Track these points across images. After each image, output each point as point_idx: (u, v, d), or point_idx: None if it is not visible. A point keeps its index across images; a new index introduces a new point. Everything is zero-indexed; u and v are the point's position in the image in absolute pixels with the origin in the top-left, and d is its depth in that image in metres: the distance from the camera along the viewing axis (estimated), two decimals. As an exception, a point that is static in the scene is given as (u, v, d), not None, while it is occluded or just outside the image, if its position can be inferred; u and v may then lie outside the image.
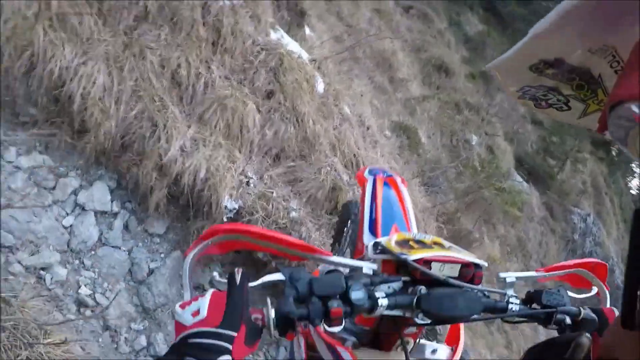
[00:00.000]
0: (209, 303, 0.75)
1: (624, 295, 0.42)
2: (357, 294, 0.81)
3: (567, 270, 1.10)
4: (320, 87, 3.61)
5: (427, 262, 0.90)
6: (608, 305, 1.05)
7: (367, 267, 0.90)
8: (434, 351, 1.14)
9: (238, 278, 0.77)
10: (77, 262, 2.62)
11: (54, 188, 2.73)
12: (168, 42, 2.96)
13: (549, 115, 0.86)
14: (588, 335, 0.59)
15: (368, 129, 4.07)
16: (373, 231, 1.53)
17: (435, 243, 0.99)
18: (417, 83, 8.03)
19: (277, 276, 0.82)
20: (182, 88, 2.98)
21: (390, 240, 0.98)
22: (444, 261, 0.91)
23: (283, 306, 0.77)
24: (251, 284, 0.80)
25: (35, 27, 2.71)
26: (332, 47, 5.06)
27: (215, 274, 0.97)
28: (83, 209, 2.75)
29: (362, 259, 0.98)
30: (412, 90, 7.39)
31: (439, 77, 9.17)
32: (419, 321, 0.88)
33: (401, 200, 1.65)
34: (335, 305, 0.79)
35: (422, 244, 0.98)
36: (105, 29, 2.87)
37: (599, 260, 1.10)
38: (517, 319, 0.96)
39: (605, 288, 1.07)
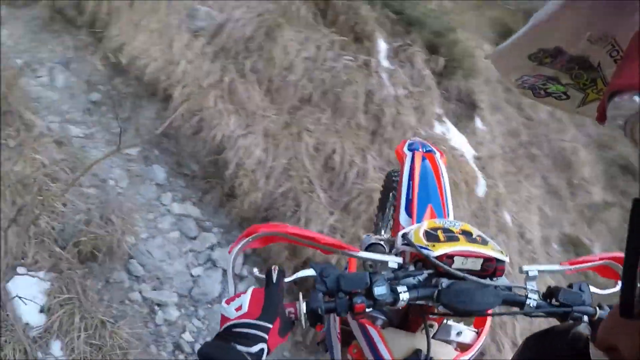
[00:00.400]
0: (250, 299, 0.86)
1: (622, 284, 0.42)
2: (380, 290, 0.87)
3: (593, 263, 1.09)
4: (480, 189, 3.29)
5: (450, 257, 0.94)
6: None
7: (393, 262, 0.96)
8: (459, 333, 1.16)
9: (274, 275, 0.88)
10: (192, 309, 2.67)
11: (194, 238, 2.89)
12: (327, 126, 2.96)
13: (548, 104, 0.86)
14: (587, 323, 0.64)
15: (528, 243, 3.56)
16: (409, 211, 1.53)
17: (464, 231, 1.02)
18: (600, 187, 7.02)
19: (309, 272, 0.91)
20: (333, 174, 2.93)
21: (419, 230, 1.01)
22: (465, 256, 0.94)
23: (313, 302, 0.87)
24: (286, 279, 0.90)
25: (208, 96, 2.93)
26: (505, 141, 4.67)
27: (255, 270, 1.00)
28: (214, 264, 2.83)
29: (392, 246, 1.07)
30: (593, 195, 6.45)
31: (624, 179, 7.91)
32: (440, 311, 0.95)
33: (438, 178, 1.64)
34: (359, 301, 0.86)
35: (449, 233, 1.01)
36: (270, 107, 2.99)
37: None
38: (535, 313, 0.96)
39: None
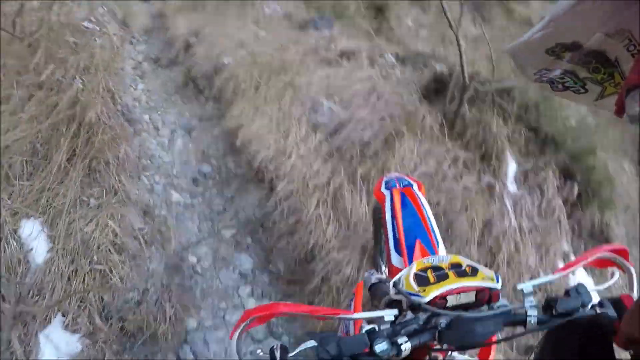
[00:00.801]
0: None
1: None
2: (381, 347, 0.87)
3: (586, 261, 1.05)
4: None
5: (443, 297, 0.94)
6: (636, 286, 1.01)
7: (388, 315, 0.96)
8: None
9: (278, 353, 0.88)
10: None
11: (260, 341, 2.69)
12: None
13: (566, 98, 0.83)
14: (608, 315, 0.64)
15: None
16: (399, 251, 1.54)
17: (453, 265, 1.02)
18: None
19: (310, 343, 0.90)
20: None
21: (409, 276, 1.01)
22: (457, 293, 0.95)
23: None
24: (290, 355, 0.89)
25: (311, 198, 2.78)
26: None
27: (259, 351, 0.96)
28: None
29: (388, 303, 1.05)
30: None
31: None
32: (444, 348, 0.96)
33: (420, 211, 1.66)
34: None
35: (439, 270, 1.01)
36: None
37: (619, 245, 1.06)
38: (537, 327, 0.94)
39: (630, 266, 1.02)
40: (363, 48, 4.68)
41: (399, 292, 1.01)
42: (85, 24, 3.92)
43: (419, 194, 1.75)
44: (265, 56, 4.38)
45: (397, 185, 1.77)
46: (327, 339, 0.89)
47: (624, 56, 0.69)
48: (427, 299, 0.94)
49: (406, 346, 0.89)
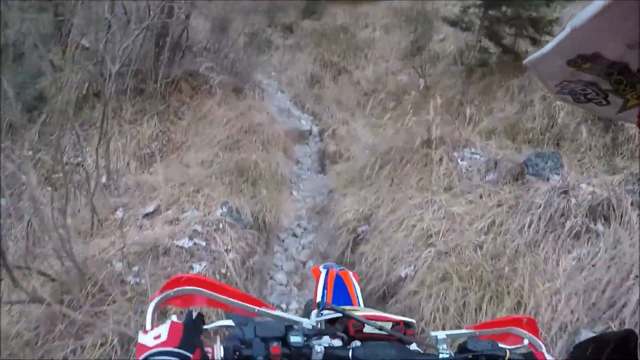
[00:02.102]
0: (169, 329, 0.82)
1: None
2: (296, 339, 0.89)
3: (499, 329, 1.11)
4: None
5: (360, 322, 1.02)
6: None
7: (307, 323, 0.98)
8: None
9: (194, 315, 0.88)
10: None
11: None
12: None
13: (588, 110, 0.83)
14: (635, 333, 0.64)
15: None
16: None
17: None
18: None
19: (227, 322, 0.93)
20: None
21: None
22: (376, 319, 1.03)
23: (230, 342, 0.86)
24: (205, 327, 0.90)
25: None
26: None
27: (174, 316, 0.90)
28: None
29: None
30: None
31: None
32: None
33: (351, 291, 1.78)
34: (275, 344, 0.87)
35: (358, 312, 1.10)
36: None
37: (529, 316, 1.13)
38: None
39: (539, 340, 1.07)
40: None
41: (323, 306, 1.06)
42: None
43: (353, 278, 1.86)
44: (469, 257, 2.77)
45: (334, 268, 1.91)
46: (244, 320, 0.90)
47: None
48: (348, 314, 1.02)
49: (318, 348, 0.89)
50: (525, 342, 1.09)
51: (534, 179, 3.82)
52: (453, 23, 7.52)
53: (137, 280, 2.53)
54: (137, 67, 6.32)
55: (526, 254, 3.04)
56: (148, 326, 0.89)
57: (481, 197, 3.70)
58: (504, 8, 6.45)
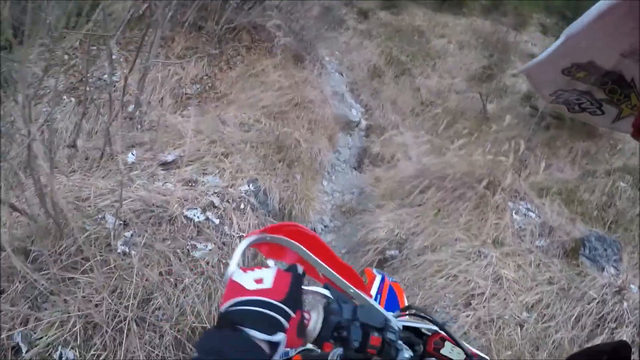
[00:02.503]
0: (275, 277, 0.71)
1: None
2: (392, 335, 0.81)
3: None
4: None
5: (442, 339, 0.95)
6: None
7: (395, 322, 0.88)
8: None
9: (300, 269, 0.76)
10: None
11: None
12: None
13: (582, 119, 0.82)
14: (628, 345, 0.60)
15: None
16: None
17: None
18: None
19: (325, 291, 0.82)
20: None
21: None
22: (455, 344, 0.94)
23: (334, 317, 0.77)
24: (304, 287, 0.77)
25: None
26: None
27: (271, 260, 0.89)
28: None
29: None
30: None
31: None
32: None
33: (402, 303, 1.68)
34: (376, 334, 0.80)
35: None
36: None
37: None
38: None
39: None
40: None
41: (415, 313, 1.01)
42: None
43: (404, 296, 1.75)
44: (509, 337, 2.32)
45: (388, 279, 1.79)
46: (344, 297, 0.82)
47: None
48: (449, 329, 0.94)
49: (404, 354, 0.84)
50: None
51: (588, 263, 3.29)
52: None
53: (126, 249, 2.04)
54: (203, 2, 5.85)
55: (568, 352, 2.55)
56: (234, 263, 0.76)
57: (531, 265, 3.15)
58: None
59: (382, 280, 1.79)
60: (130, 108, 4.47)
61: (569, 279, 3.05)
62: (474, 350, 0.96)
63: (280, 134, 3.96)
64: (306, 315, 0.75)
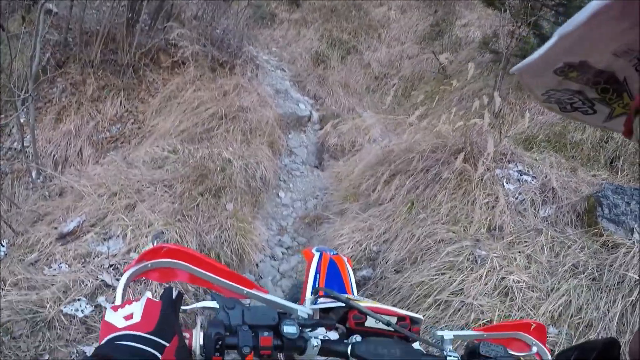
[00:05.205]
0: (144, 308, 0.66)
1: None
2: (290, 329, 0.73)
3: (507, 332, 0.99)
4: None
5: (362, 314, 0.86)
6: None
7: (302, 311, 0.82)
8: None
9: (174, 294, 0.70)
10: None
11: None
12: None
13: (574, 119, 0.74)
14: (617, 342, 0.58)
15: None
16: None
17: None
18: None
19: (211, 303, 0.76)
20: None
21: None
22: (379, 312, 0.86)
23: (212, 328, 0.69)
24: (184, 307, 0.74)
25: None
26: None
27: (148, 293, 0.71)
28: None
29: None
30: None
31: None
32: None
33: (345, 276, 1.57)
34: (265, 334, 0.71)
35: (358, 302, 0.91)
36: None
37: (538, 322, 0.99)
38: None
39: (546, 350, 0.97)
40: None
41: (324, 294, 0.88)
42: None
43: (347, 265, 1.64)
44: None
45: (328, 253, 1.67)
46: (231, 303, 0.73)
47: (633, 76, 0.59)
48: (356, 304, 0.83)
49: (314, 342, 0.75)
50: (534, 349, 0.96)
51: (612, 227, 2.41)
52: (489, 3, 5.90)
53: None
54: (108, 33, 4.92)
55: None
56: (119, 301, 0.71)
57: (543, 250, 2.26)
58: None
59: (320, 257, 1.63)
60: (33, 174, 3.55)
61: (598, 260, 2.17)
62: (403, 312, 0.88)
63: (200, 160, 3.04)
64: (187, 334, 0.68)
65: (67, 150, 4.43)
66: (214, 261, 0.85)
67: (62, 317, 1.92)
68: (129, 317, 0.64)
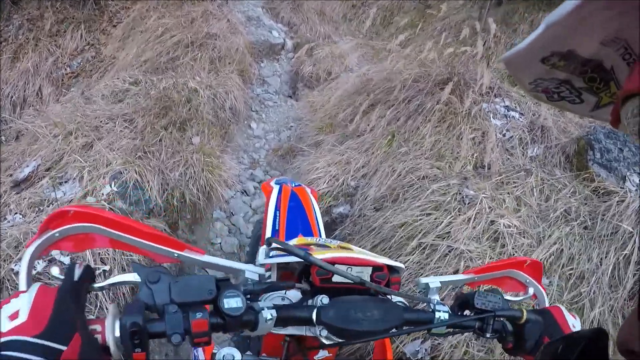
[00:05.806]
0: (33, 303, 0.48)
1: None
2: (231, 302, 0.56)
3: (499, 272, 0.87)
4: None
5: (327, 277, 0.69)
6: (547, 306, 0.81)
7: (251, 271, 0.68)
8: None
9: (77, 273, 0.54)
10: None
11: None
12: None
13: (561, 108, 0.71)
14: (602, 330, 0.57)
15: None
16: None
17: (343, 248, 0.79)
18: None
19: (131, 277, 0.58)
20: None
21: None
22: (350, 263, 0.69)
23: (130, 316, 0.52)
24: (97, 284, 0.57)
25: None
26: None
27: (55, 269, 0.57)
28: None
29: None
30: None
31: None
32: (324, 341, 0.67)
33: (309, 210, 1.39)
34: (199, 316, 0.54)
35: (325, 247, 0.78)
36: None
37: (533, 258, 0.88)
38: (446, 331, 0.71)
39: (542, 289, 0.87)
40: None
41: (277, 246, 0.66)
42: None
43: (311, 196, 1.47)
44: None
45: (289, 184, 1.50)
46: (155, 276, 0.56)
47: (620, 65, 0.57)
48: (316, 259, 0.63)
49: (267, 314, 0.59)
50: (531, 291, 0.85)
51: (603, 173, 2.29)
52: None
53: None
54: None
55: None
56: (23, 286, 0.54)
57: (533, 192, 2.13)
58: None
59: (280, 190, 1.45)
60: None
61: (590, 207, 2.06)
62: (380, 260, 0.70)
63: (164, 91, 2.76)
64: (97, 327, 0.51)
65: (25, 91, 4.07)
66: (137, 222, 0.69)
67: (14, 276, 1.74)
68: (14, 315, 0.47)
